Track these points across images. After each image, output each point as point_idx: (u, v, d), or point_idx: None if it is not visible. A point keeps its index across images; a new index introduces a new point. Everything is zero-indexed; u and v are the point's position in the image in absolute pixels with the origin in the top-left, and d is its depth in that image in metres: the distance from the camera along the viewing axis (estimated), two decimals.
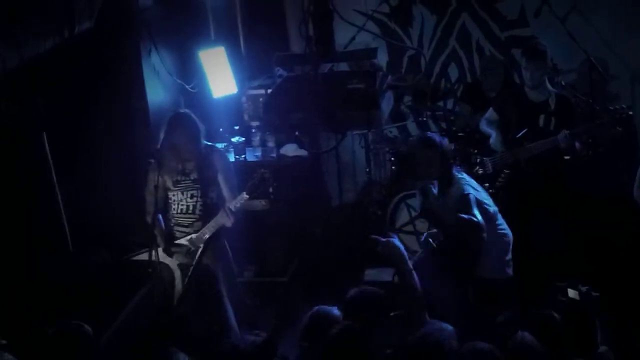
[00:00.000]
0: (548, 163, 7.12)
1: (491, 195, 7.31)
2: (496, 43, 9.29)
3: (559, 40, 8.63)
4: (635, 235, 7.27)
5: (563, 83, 8.49)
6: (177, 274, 6.53)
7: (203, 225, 6.49)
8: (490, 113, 7.54)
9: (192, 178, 6.50)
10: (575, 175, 8.00)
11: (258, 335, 4.75)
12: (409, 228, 8.20)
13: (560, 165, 7.36)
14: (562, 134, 6.94)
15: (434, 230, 6.64)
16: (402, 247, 5.35)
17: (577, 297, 5.01)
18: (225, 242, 6.65)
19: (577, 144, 7.22)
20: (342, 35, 8.49)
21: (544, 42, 8.72)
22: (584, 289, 5.01)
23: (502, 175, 7.29)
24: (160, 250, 6.46)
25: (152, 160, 6.49)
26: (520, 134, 7.14)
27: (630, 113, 6.96)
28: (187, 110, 6.68)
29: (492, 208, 6.25)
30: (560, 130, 6.98)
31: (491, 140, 7.38)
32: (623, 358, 4.58)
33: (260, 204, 7.72)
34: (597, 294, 4.95)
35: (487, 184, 7.38)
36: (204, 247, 6.49)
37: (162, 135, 6.48)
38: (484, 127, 7.58)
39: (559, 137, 6.94)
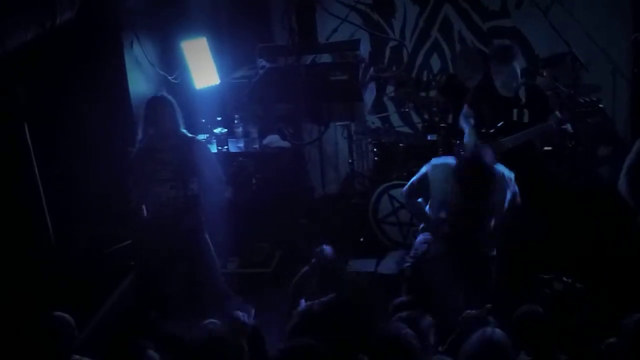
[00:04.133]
0: (525, 156, 7.11)
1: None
2: (478, 34, 9.29)
3: (541, 31, 8.66)
4: (617, 226, 7.30)
5: (545, 74, 8.51)
6: None
7: (184, 217, 6.47)
8: (466, 109, 7.53)
9: (172, 169, 6.47)
10: (555, 166, 8.05)
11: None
12: (392, 219, 8.21)
13: (538, 157, 7.37)
14: (554, 116, 6.91)
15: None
16: None
17: (562, 289, 5.05)
18: (207, 235, 6.64)
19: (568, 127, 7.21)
20: (325, 27, 8.48)
21: (524, 33, 8.83)
22: (568, 280, 5.04)
23: None
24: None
25: (133, 152, 6.48)
26: (494, 129, 7.14)
27: (601, 106, 6.95)
28: (163, 93, 6.67)
29: None
30: (534, 121, 6.98)
31: (465, 138, 7.36)
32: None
33: None
34: (581, 285, 4.98)
35: None
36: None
37: (141, 124, 6.47)
38: (462, 123, 7.57)
39: (551, 119, 6.91)
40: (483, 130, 7.24)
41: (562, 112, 7.03)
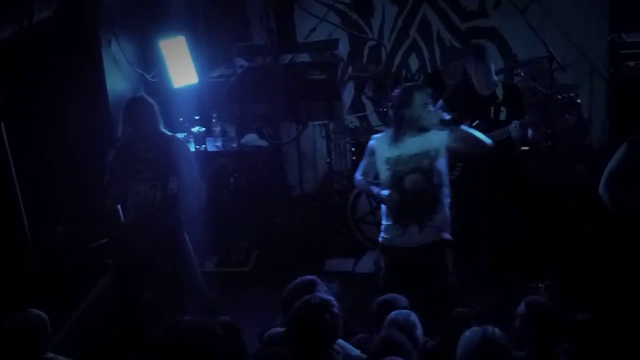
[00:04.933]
0: (502, 154, 7.12)
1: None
2: (456, 34, 9.32)
3: (519, 31, 8.70)
4: (592, 223, 7.34)
5: (522, 74, 8.55)
6: None
7: (163, 216, 6.46)
8: (441, 104, 7.56)
9: (151, 168, 6.45)
10: (532, 165, 8.08)
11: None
12: (370, 218, 8.21)
13: (515, 156, 7.41)
14: (512, 124, 6.95)
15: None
16: None
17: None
18: (185, 234, 6.63)
19: (529, 133, 7.24)
20: (303, 26, 8.48)
21: (502, 33, 8.88)
22: (542, 285, 5.03)
23: (456, 168, 7.31)
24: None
25: (112, 151, 6.46)
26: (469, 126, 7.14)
27: (579, 101, 6.99)
28: (142, 94, 6.65)
29: None
30: (512, 120, 7.01)
31: None
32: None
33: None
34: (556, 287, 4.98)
35: None
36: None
37: (121, 123, 6.46)
38: None
39: (509, 128, 6.95)
40: None
41: (523, 117, 7.05)
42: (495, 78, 7.25)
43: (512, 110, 7.10)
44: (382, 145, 6.19)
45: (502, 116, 7.13)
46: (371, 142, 6.29)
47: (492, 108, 7.16)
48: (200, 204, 6.59)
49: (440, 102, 7.45)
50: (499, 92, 7.17)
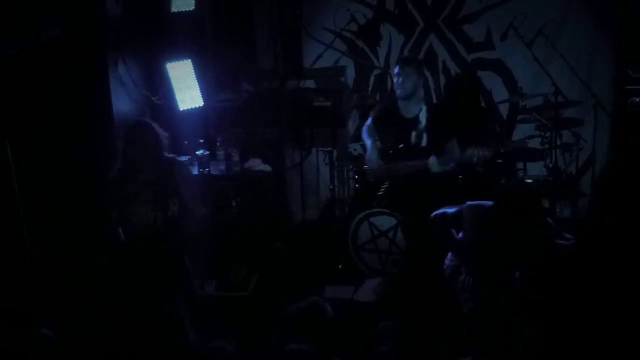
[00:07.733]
0: (425, 177, 7.07)
1: (376, 204, 7.41)
2: (462, 64, 9.35)
3: (525, 64, 8.73)
4: None
5: (527, 107, 8.56)
6: None
7: (164, 239, 6.44)
8: (370, 123, 7.52)
9: (152, 191, 6.43)
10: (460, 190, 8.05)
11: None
12: (371, 246, 8.19)
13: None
14: (431, 159, 6.92)
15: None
16: None
17: None
18: (185, 257, 6.62)
19: (475, 155, 7.11)
20: (310, 52, 8.51)
21: (508, 65, 8.89)
22: None
23: (383, 187, 7.28)
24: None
25: (113, 173, 6.46)
26: (394, 150, 7.09)
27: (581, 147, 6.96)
28: (146, 119, 6.64)
29: None
30: (435, 144, 6.96)
31: (367, 152, 7.35)
32: None
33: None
34: None
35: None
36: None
37: (121, 145, 6.44)
38: (364, 135, 7.56)
39: (428, 162, 6.92)
40: (385, 151, 7.25)
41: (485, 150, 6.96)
42: (422, 100, 7.22)
43: (436, 134, 7.09)
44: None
45: (423, 142, 7.13)
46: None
47: (414, 133, 7.13)
48: (200, 227, 6.57)
49: (370, 120, 7.38)
50: (422, 116, 7.13)
